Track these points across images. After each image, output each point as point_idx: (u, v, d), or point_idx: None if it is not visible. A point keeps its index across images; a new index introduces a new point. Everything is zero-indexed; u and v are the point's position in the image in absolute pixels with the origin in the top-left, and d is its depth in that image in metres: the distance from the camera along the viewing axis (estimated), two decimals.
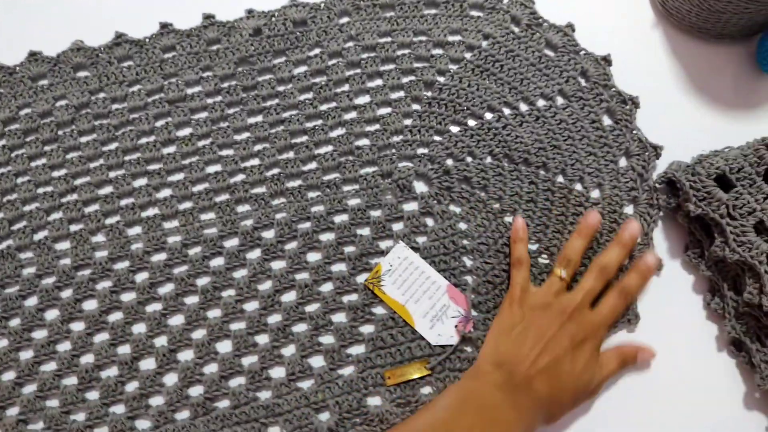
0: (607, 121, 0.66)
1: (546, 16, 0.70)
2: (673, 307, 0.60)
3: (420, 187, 0.64)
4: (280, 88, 0.67)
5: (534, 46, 0.68)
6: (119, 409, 0.57)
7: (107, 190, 0.64)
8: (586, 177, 0.64)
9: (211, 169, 0.65)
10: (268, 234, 0.62)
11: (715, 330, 0.60)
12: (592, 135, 0.65)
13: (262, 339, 0.59)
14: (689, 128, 0.66)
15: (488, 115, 0.66)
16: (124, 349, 0.59)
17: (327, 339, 0.59)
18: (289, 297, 0.60)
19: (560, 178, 0.64)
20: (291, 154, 0.65)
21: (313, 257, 0.62)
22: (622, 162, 0.65)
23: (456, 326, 0.59)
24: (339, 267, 0.61)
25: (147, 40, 0.67)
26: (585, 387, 0.53)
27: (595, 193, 0.64)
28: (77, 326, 0.59)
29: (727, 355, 0.59)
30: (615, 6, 0.72)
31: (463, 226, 0.62)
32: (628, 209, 0.63)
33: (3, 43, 0.68)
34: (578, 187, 0.64)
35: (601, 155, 0.65)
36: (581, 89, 0.67)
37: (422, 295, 0.60)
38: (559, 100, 0.67)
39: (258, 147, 0.65)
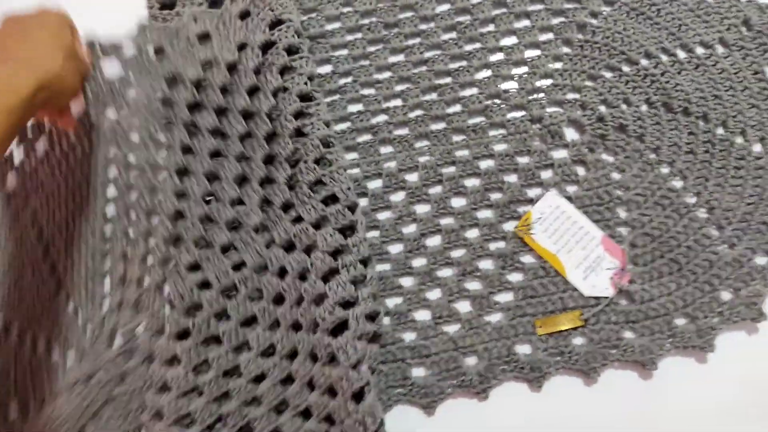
0: None
1: None
2: None
3: (571, 134, 0.61)
4: (423, 27, 0.65)
5: None
6: None
7: None
8: (748, 130, 0.60)
9: (353, 108, 0.63)
10: (412, 177, 0.61)
11: None
12: (755, 87, 0.61)
13: (407, 282, 0.58)
14: None
15: (644, 61, 0.62)
16: None
17: (474, 285, 0.58)
18: (434, 242, 0.59)
19: (720, 130, 0.61)
20: (434, 96, 0.63)
21: (458, 203, 0.60)
22: None
23: (611, 278, 0.57)
24: (485, 214, 0.60)
25: None
26: None
27: (757, 147, 0.60)
28: None
29: None
30: None
31: (617, 176, 0.60)
32: None
33: None
34: (739, 140, 0.60)
35: (764, 108, 0.61)
36: (743, 38, 0.62)
37: (575, 245, 0.58)
38: (720, 49, 0.63)
39: (400, 87, 0.63)
